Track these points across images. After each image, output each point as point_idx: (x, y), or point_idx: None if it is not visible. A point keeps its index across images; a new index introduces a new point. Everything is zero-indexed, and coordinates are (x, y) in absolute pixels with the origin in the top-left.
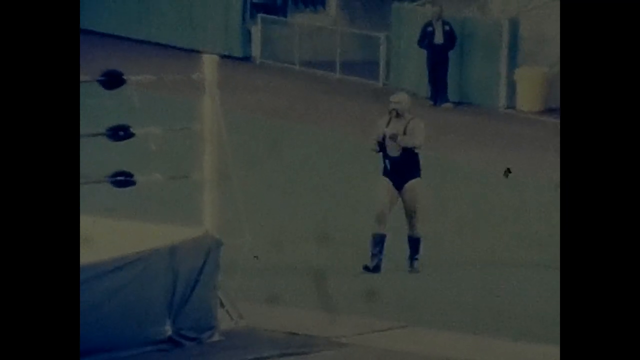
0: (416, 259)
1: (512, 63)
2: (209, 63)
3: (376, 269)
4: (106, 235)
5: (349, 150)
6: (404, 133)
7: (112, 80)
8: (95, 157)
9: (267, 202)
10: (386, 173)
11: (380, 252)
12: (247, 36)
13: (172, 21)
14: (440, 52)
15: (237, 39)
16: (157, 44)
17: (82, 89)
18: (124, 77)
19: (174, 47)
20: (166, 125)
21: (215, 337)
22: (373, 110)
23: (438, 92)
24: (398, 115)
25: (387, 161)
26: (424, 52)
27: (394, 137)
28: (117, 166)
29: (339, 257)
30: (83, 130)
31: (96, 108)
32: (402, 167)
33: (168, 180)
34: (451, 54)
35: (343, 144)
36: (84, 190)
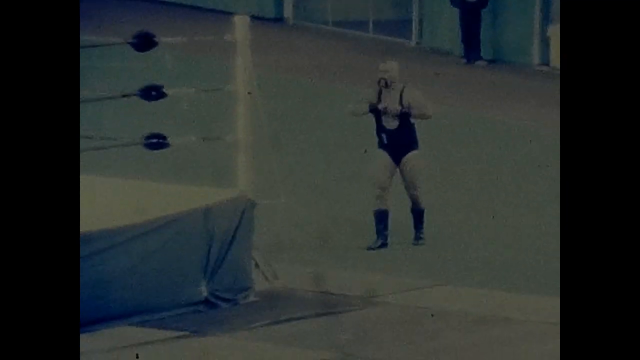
0: (421, 229)
1: (546, 20)
2: (240, 23)
3: (382, 246)
4: (140, 198)
5: None
6: (400, 104)
7: (144, 42)
8: (128, 119)
9: (300, 162)
10: (382, 146)
11: (385, 228)
12: None
13: None
14: (473, 10)
15: (269, 0)
16: (189, 6)
17: (114, 51)
18: (156, 39)
19: (205, 9)
20: (199, 87)
21: (251, 298)
22: (406, 70)
23: (471, 50)
24: (387, 85)
25: (383, 135)
26: (456, 11)
27: (394, 112)
28: (151, 128)
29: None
30: (114, 92)
31: (128, 70)
32: (400, 140)
33: (202, 142)
34: (484, 12)
35: None
36: (115, 152)
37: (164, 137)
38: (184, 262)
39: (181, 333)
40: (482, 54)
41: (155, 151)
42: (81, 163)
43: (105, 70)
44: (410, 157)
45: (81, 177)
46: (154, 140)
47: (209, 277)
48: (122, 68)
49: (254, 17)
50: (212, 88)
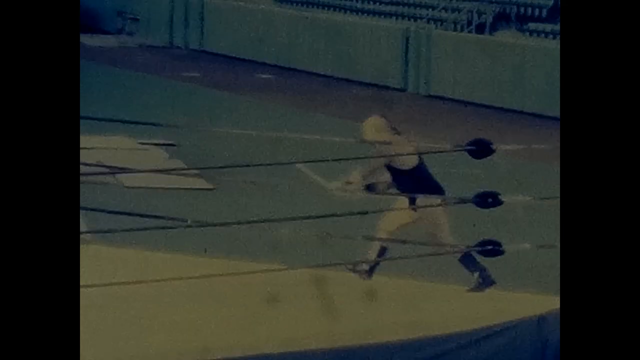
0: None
1: None
2: None
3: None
4: (469, 305)
5: None
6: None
7: (482, 149)
8: (462, 225)
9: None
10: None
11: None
12: None
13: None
14: None
15: None
16: (530, 114)
17: (448, 157)
18: (493, 146)
19: (544, 117)
20: (535, 194)
21: None
22: None
23: None
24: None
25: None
26: None
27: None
28: (485, 235)
29: None
30: (450, 197)
31: (465, 177)
32: (412, 184)
33: (537, 250)
34: None
35: None
36: (444, 259)
37: (499, 244)
38: None
39: None
40: None
41: (490, 258)
42: (396, 267)
43: (444, 175)
44: (426, 206)
45: (379, 279)
46: (489, 247)
47: None
48: (458, 174)
49: None
50: (548, 196)
